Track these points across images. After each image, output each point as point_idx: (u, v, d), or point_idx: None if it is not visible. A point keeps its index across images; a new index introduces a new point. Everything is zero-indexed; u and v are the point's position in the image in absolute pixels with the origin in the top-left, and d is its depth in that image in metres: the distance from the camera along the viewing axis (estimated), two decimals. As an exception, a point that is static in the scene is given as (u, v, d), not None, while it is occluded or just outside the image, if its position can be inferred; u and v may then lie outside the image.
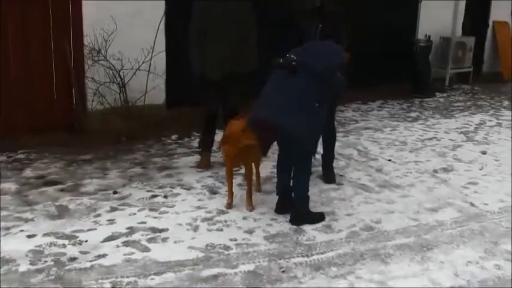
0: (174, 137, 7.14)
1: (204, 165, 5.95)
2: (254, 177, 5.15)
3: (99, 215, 4.66)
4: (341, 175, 5.83)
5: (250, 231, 4.43)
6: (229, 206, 4.86)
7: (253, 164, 5.07)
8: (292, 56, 4.35)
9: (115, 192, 5.18)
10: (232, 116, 5.28)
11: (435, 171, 6.18)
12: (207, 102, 5.85)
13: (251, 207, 4.84)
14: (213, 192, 5.25)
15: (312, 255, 4.07)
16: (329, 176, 5.65)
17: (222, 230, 4.45)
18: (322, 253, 4.11)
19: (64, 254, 3.96)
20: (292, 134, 4.30)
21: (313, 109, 4.35)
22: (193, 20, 5.60)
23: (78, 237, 4.23)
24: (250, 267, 3.86)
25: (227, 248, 4.13)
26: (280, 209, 4.77)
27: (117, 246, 4.12)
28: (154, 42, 7.38)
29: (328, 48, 4.54)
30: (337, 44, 4.65)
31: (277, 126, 4.31)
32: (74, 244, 4.12)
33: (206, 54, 5.57)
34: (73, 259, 3.89)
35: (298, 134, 4.32)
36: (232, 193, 4.93)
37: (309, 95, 4.32)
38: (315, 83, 4.31)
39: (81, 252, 4.00)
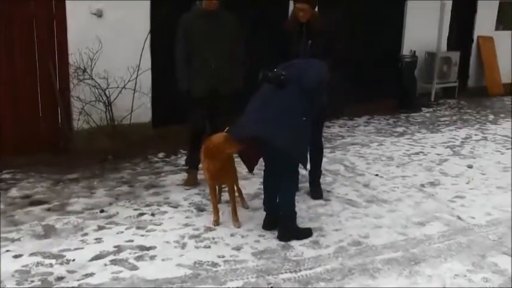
0: (160, 155, 7.12)
1: (191, 182, 5.93)
2: (236, 194, 5.14)
3: (86, 234, 4.62)
4: (328, 191, 5.84)
5: (238, 248, 4.41)
6: (216, 223, 4.85)
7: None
8: (280, 70, 4.38)
9: (102, 211, 5.15)
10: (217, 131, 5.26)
11: (422, 185, 6.21)
12: (194, 119, 5.81)
13: (238, 223, 4.84)
14: (200, 209, 5.24)
15: (300, 270, 4.06)
16: (316, 192, 5.65)
17: (209, 247, 4.43)
18: (310, 269, 4.10)
19: (51, 273, 3.92)
20: (281, 148, 4.31)
21: (300, 122, 4.38)
22: (179, 37, 5.57)
23: (65, 256, 4.19)
24: (239, 283, 3.84)
25: (215, 264, 4.11)
26: (267, 226, 4.76)
27: (105, 264, 4.09)
28: (139, 61, 7.39)
29: (315, 64, 4.57)
30: (328, 61, 4.70)
31: (265, 141, 4.32)
32: (61, 263, 4.08)
33: (192, 71, 5.57)
34: (60, 278, 3.85)
35: (287, 148, 4.33)
36: (217, 210, 4.93)
37: (296, 109, 4.35)
38: (302, 98, 4.34)
39: (68, 271, 3.96)
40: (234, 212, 4.90)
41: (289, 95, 4.34)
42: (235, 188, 5.14)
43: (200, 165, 5.21)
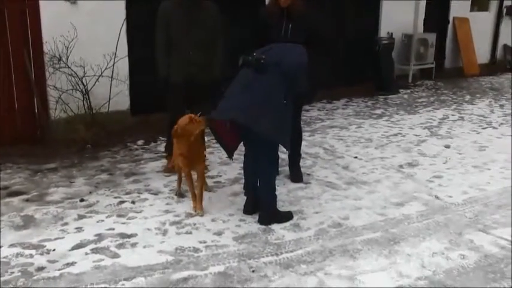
0: (140, 142, 7.10)
1: (171, 169, 5.92)
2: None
3: (66, 224, 4.60)
4: (308, 174, 5.88)
5: (219, 233, 4.43)
6: (199, 209, 4.85)
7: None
8: (260, 54, 4.37)
9: (82, 200, 5.12)
10: None
11: (401, 166, 6.28)
12: (172, 106, 5.76)
13: (202, 211, 4.81)
14: (181, 195, 5.24)
15: (281, 253, 4.10)
16: (296, 175, 5.69)
17: (191, 232, 4.45)
18: (291, 251, 4.14)
19: (31, 264, 3.90)
20: (264, 133, 4.31)
21: (282, 105, 4.40)
22: (158, 24, 5.54)
23: (45, 246, 4.17)
24: (220, 268, 3.87)
25: (197, 250, 4.13)
26: (248, 210, 4.79)
27: (86, 253, 4.08)
28: (116, 48, 7.33)
29: (295, 49, 4.56)
30: (313, 45, 4.70)
31: (246, 125, 4.32)
32: (41, 254, 4.05)
33: (171, 59, 5.56)
34: (41, 269, 3.83)
35: (269, 132, 4.33)
36: (195, 195, 4.91)
37: (277, 92, 4.36)
38: (283, 81, 4.35)
39: (49, 261, 3.94)
40: (200, 199, 4.87)
41: (270, 79, 4.34)
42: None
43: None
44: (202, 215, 4.77)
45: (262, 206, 4.67)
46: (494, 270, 3.89)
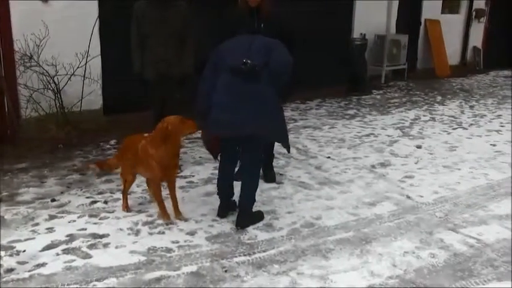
0: (112, 142, 7.04)
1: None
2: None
3: (37, 224, 4.54)
4: (281, 174, 5.91)
5: (192, 233, 4.42)
6: (169, 219, 4.64)
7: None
8: (248, 60, 4.17)
9: (53, 200, 5.06)
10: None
11: (373, 166, 6.35)
12: (152, 103, 5.90)
13: (184, 217, 4.70)
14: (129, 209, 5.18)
15: (254, 253, 4.11)
16: (269, 175, 5.70)
17: (163, 233, 4.43)
18: (264, 251, 4.15)
19: (0, 265, 3.84)
20: (277, 140, 4.36)
21: (279, 106, 4.47)
22: (133, 22, 5.70)
23: (15, 247, 4.10)
24: (193, 268, 3.86)
25: (169, 250, 4.11)
26: (222, 213, 4.74)
27: (57, 254, 4.03)
28: (88, 47, 7.26)
29: (277, 45, 4.40)
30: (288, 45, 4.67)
31: (264, 138, 4.39)
32: (10, 255, 3.99)
33: (144, 56, 5.71)
34: (10, 270, 3.77)
35: (280, 138, 4.45)
36: (163, 203, 4.65)
37: (273, 95, 4.32)
38: (275, 82, 4.29)
39: (18, 262, 3.88)
40: (177, 206, 4.72)
41: (263, 83, 4.24)
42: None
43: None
44: (186, 220, 4.66)
45: (243, 209, 4.60)
46: (463, 268, 3.96)
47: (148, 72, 5.73)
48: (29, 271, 3.77)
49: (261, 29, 5.06)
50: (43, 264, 3.86)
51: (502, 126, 8.67)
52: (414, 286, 3.70)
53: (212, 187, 5.30)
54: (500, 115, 9.54)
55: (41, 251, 4.06)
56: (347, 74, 11.20)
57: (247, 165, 4.64)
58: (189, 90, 4.83)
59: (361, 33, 11.50)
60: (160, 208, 4.64)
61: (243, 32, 4.69)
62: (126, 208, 4.86)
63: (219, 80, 4.30)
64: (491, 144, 7.47)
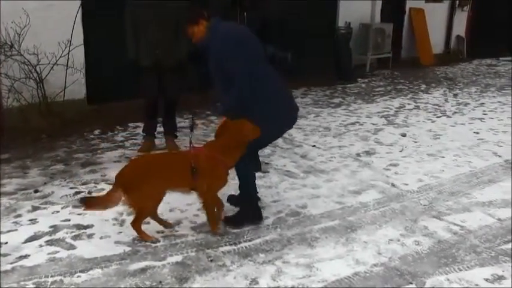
0: (96, 132, 6.99)
1: (147, 149, 6.13)
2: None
3: (19, 216, 4.49)
4: (267, 163, 5.90)
5: (177, 223, 4.40)
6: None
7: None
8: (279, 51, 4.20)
9: (36, 191, 5.01)
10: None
11: (358, 155, 6.36)
12: (145, 88, 5.99)
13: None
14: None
15: (240, 243, 4.10)
16: (255, 164, 5.67)
17: (148, 223, 4.37)
18: (249, 240, 4.14)
19: (-18, 258, 3.80)
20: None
21: None
22: (127, 8, 5.77)
23: (-3, 239, 4.07)
24: (179, 258, 3.84)
25: (154, 240, 4.09)
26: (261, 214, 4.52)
27: (40, 245, 3.99)
28: (71, 36, 7.16)
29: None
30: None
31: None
32: (-8, 247, 3.96)
33: (139, 43, 5.77)
34: (-8, 262, 3.74)
35: None
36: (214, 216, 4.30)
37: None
38: None
39: (0, 255, 3.83)
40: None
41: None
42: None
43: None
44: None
45: (245, 205, 4.49)
46: (447, 255, 3.99)
47: (143, 60, 5.77)
48: (12, 263, 3.72)
49: (244, 19, 5.02)
50: (26, 256, 3.82)
51: (485, 114, 8.74)
52: (399, 273, 3.72)
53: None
54: (483, 103, 9.61)
55: (23, 242, 4.02)
56: (332, 63, 11.20)
57: (251, 161, 4.58)
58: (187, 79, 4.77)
59: (346, 22, 11.49)
60: (212, 218, 4.27)
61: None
62: (153, 237, 4.15)
63: (260, 71, 4.14)
64: (474, 132, 7.53)
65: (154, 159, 4.38)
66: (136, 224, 4.06)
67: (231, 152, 4.09)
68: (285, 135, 6.95)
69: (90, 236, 4.16)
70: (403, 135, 7.29)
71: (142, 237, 4.07)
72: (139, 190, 3.92)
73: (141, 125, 6.59)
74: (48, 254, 3.87)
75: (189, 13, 4.30)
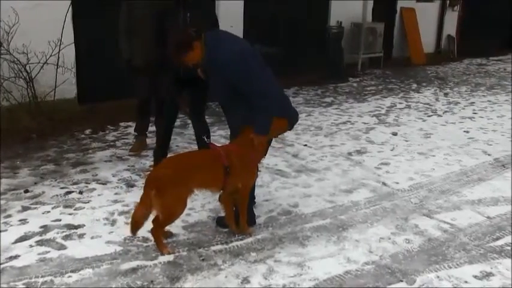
0: (87, 131, 6.96)
1: (138, 149, 6.13)
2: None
3: (9, 216, 4.46)
4: (258, 162, 5.90)
5: (168, 222, 4.39)
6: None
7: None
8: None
9: (26, 191, 4.98)
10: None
11: (349, 154, 6.38)
12: (138, 88, 6.01)
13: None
14: (130, 185, 5.17)
15: (231, 242, 4.10)
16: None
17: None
18: (241, 239, 4.14)
19: (-29, 258, 3.77)
20: None
21: None
22: (122, 9, 5.75)
23: (-14, 240, 4.04)
24: (170, 257, 3.83)
25: (146, 240, 4.07)
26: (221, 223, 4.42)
27: (31, 246, 3.96)
28: (61, 34, 7.12)
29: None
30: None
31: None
32: (-18, 248, 3.93)
33: (132, 44, 5.75)
34: (-18, 263, 3.72)
35: None
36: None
37: None
38: None
39: (-9, 255, 3.82)
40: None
41: None
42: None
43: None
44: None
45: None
46: (437, 253, 4.01)
47: (137, 60, 5.75)
48: (1, 264, 3.69)
49: (186, 18, 4.88)
50: (16, 257, 3.79)
51: (475, 113, 8.79)
52: (390, 271, 3.73)
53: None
54: (473, 102, 9.67)
55: (13, 243, 3.99)
56: (324, 62, 11.22)
57: None
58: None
59: (338, 21, 11.51)
60: (244, 220, 4.23)
61: (169, 25, 4.71)
62: (169, 249, 3.94)
63: (266, 72, 4.08)
64: (464, 131, 7.57)
65: (188, 159, 4.14)
66: (159, 231, 3.87)
67: (260, 147, 4.07)
68: (277, 134, 7.02)
69: (81, 236, 4.15)
70: (394, 134, 7.31)
71: (159, 247, 3.87)
72: (174, 193, 3.74)
73: (133, 124, 6.59)
74: (39, 254, 3.85)
75: (180, 41, 3.91)
